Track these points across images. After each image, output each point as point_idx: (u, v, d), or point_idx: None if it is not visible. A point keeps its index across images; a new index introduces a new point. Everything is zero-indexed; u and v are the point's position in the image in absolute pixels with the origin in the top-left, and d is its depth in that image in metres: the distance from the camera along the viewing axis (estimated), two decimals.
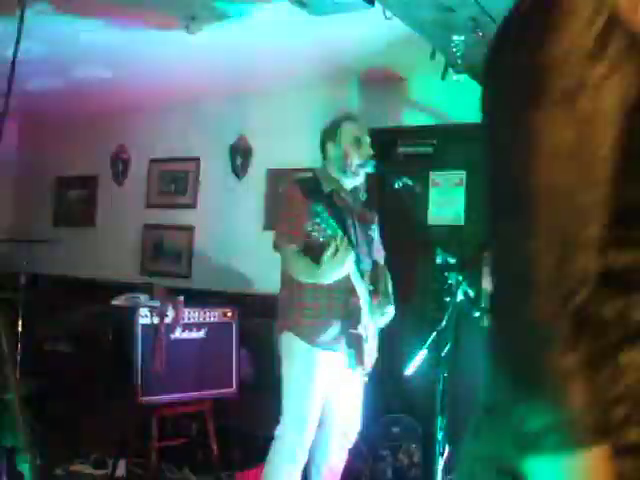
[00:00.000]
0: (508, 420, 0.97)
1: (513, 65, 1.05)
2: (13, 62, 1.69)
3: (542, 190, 0.97)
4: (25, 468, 1.30)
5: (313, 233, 3.49)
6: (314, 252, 3.68)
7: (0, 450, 1.57)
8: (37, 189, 8.05)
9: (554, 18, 1.00)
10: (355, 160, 3.92)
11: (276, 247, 3.93)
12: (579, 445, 0.91)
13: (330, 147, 4.00)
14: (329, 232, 3.48)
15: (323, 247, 3.56)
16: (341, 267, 3.60)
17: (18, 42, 1.69)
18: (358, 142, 3.95)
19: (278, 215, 4.07)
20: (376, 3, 3.48)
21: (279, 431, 3.87)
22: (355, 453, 4.18)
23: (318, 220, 3.47)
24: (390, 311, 3.98)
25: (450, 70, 4.18)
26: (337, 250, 3.54)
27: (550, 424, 0.91)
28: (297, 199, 3.83)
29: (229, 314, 5.40)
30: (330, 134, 4.03)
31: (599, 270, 0.98)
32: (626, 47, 0.99)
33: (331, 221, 3.50)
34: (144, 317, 5.00)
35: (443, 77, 4.24)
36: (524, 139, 1.00)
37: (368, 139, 4.01)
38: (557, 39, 0.99)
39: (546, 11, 1.02)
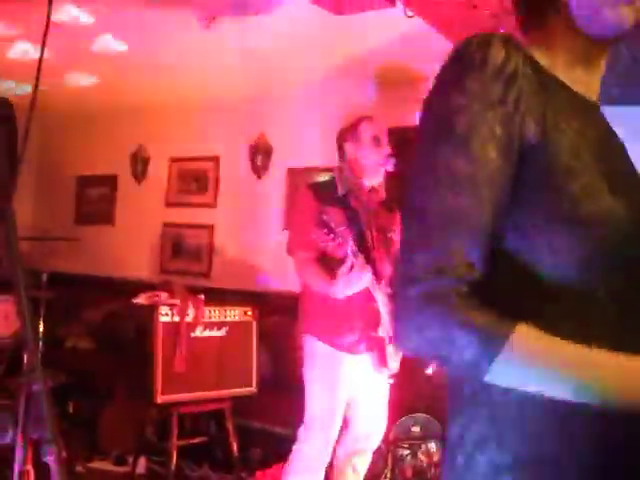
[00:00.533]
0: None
1: (432, 106, 1.33)
2: (40, 61, 1.69)
3: (435, 208, 1.21)
4: (51, 460, 1.30)
5: (322, 243, 3.48)
6: (329, 264, 3.67)
7: (26, 442, 1.57)
8: (58, 188, 8.09)
9: (463, 71, 1.24)
10: (373, 160, 3.90)
11: (289, 252, 3.92)
12: (498, 346, 1.13)
13: (347, 147, 3.97)
14: (338, 241, 3.48)
15: (338, 259, 3.55)
16: (355, 285, 3.59)
17: (44, 42, 1.69)
18: (376, 141, 3.93)
19: (291, 219, 4.05)
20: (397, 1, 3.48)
21: (302, 432, 3.86)
22: (375, 453, 4.16)
23: (326, 231, 3.46)
24: None
25: None
26: (352, 267, 3.53)
27: (475, 348, 1.13)
28: (309, 203, 3.81)
29: (249, 313, 5.40)
30: (347, 134, 4.00)
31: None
32: (528, 92, 1.22)
33: (339, 231, 3.49)
34: (165, 315, 5.01)
35: None
36: (429, 168, 1.25)
37: (386, 138, 3.98)
38: (462, 89, 1.23)
39: (458, 63, 1.26)
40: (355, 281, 3.57)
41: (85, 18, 4.68)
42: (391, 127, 4.40)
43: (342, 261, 3.55)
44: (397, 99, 5.69)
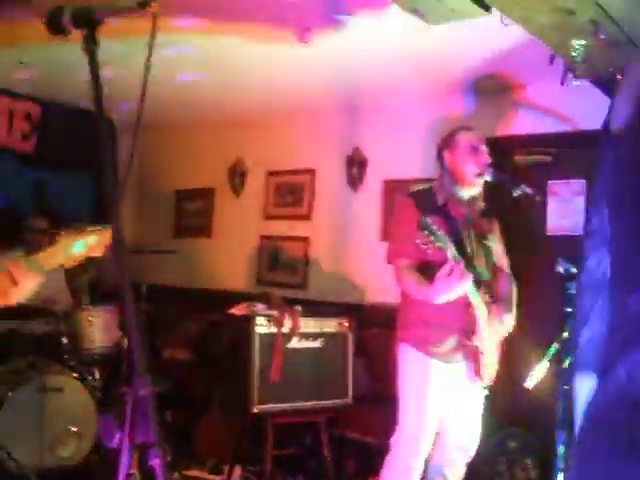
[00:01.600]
0: None
1: None
2: (145, 79, 1.74)
3: None
4: (156, 463, 1.34)
5: (423, 246, 3.47)
6: (428, 272, 3.66)
7: (132, 446, 1.61)
8: (157, 202, 8.27)
9: None
10: (472, 169, 3.88)
11: (388, 260, 3.93)
12: None
13: (446, 156, 3.97)
14: (439, 244, 3.46)
15: (438, 266, 3.54)
16: (454, 289, 3.56)
17: (149, 57, 1.74)
18: (475, 151, 3.91)
19: (390, 229, 4.06)
20: (493, 9, 3.43)
21: (395, 441, 3.85)
22: (470, 468, 4.11)
23: (426, 233, 3.44)
24: (509, 320, 3.92)
25: (569, 75, 4.08)
26: (452, 270, 3.51)
27: None
28: (409, 212, 3.81)
29: (345, 324, 5.41)
30: (446, 144, 4.00)
31: None
32: None
33: (440, 234, 3.48)
34: (261, 326, 5.07)
35: (562, 82, 4.13)
36: None
37: (485, 148, 3.96)
38: None
39: None
40: (454, 285, 3.54)
41: None
42: (489, 137, 4.36)
43: (441, 268, 3.54)
44: (493, 109, 5.64)
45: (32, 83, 6.44)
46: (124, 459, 1.71)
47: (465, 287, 3.58)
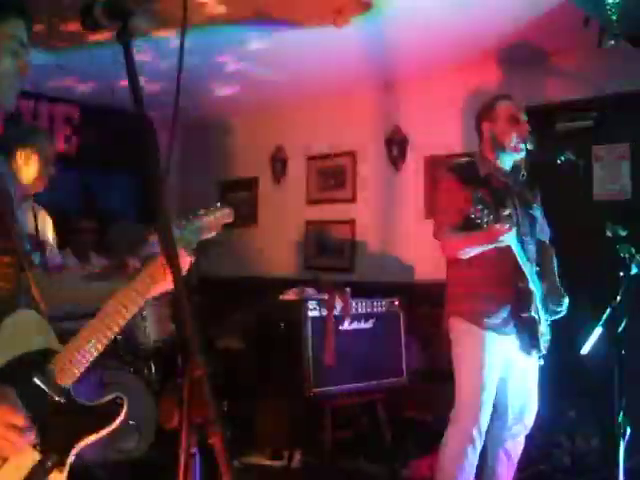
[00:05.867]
0: None
1: None
2: (179, 73, 1.75)
3: None
4: (215, 441, 1.36)
5: (477, 221, 3.43)
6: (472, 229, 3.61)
7: (192, 426, 1.64)
8: (201, 193, 8.33)
9: None
10: (512, 138, 3.84)
11: (436, 235, 3.91)
12: None
13: (486, 127, 3.94)
14: (492, 217, 3.42)
15: (479, 226, 3.48)
16: (503, 234, 3.48)
17: (181, 56, 1.75)
18: (515, 120, 3.87)
19: (435, 205, 4.04)
20: None
21: (453, 415, 3.85)
22: (529, 439, 4.09)
23: (480, 207, 3.41)
24: (563, 304, 3.87)
25: (605, 36, 4.01)
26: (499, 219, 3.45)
27: None
28: (452, 187, 3.79)
29: (395, 303, 5.42)
30: (485, 114, 3.97)
31: None
32: None
33: (492, 207, 3.44)
34: (313, 310, 5.09)
35: (599, 45, 4.07)
36: None
37: (524, 116, 3.92)
38: None
39: None
40: (503, 231, 3.45)
41: None
42: (529, 105, 4.32)
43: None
44: (532, 77, 5.58)
45: (70, 86, 6.53)
46: (184, 439, 1.74)
47: (510, 235, 3.50)
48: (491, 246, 3.57)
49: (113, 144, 7.18)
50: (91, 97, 7.00)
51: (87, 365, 1.91)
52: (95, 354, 1.92)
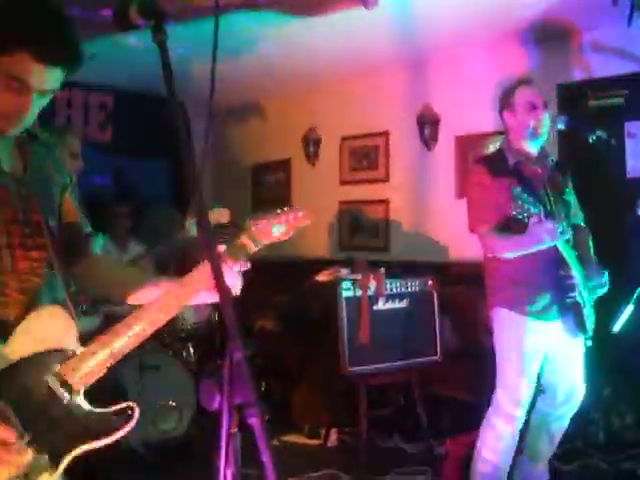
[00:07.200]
0: None
1: None
2: (213, 62, 1.80)
3: None
4: (255, 421, 1.41)
5: (519, 217, 3.45)
6: (514, 227, 3.63)
7: (231, 407, 1.69)
8: (235, 178, 8.39)
9: None
10: (533, 125, 3.83)
11: (471, 229, 3.91)
12: None
13: (506, 116, 3.93)
14: (533, 210, 3.44)
15: (521, 222, 3.50)
16: (547, 235, 3.50)
17: (215, 45, 1.80)
18: (531, 106, 3.84)
19: (468, 198, 4.03)
20: None
21: (494, 399, 3.88)
22: None
23: (520, 202, 3.43)
24: (604, 278, 3.87)
25: (636, 13, 3.99)
26: (541, 219, 3.47)
27: None
28: (483, 179, 3.80)
29: (429, 283, 5.44)
30: (505, 103, 3.95)
31: None
32: None
33: (532, 200, 3.46)
34: (347, 290, 5.14)
35: (629, 22, 4.04)
36: None
37: (542, 100, 3.89)
38: None
39: None
40: (547, 231, 3.48)
41: None
42: (559, 84, 4.29)
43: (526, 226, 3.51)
44: (561, 55, 5.56)
45: (103, 73, 6.60)
46: (225, 420, 1.80)
47: (556, 234, 3.52)
48: (539, 247, 3.60)
49: (146, 130, 7.25)
50: (124, 84, 7.08)
51: (104, 370, 1.91)
52: (117, 359, 1.92)
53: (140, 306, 2.01)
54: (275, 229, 2.14)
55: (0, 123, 1.89)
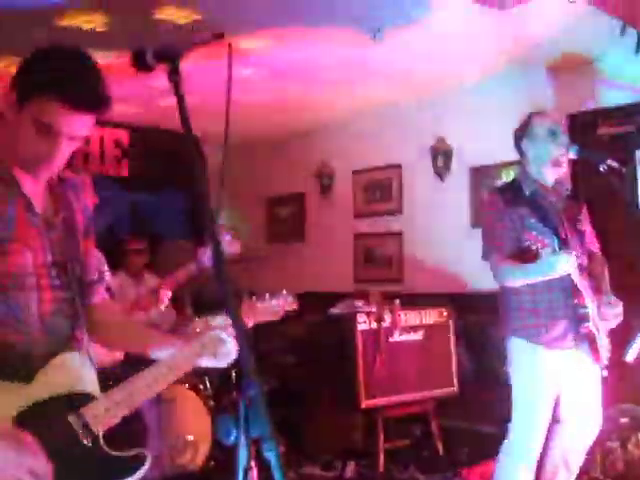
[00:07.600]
0: None
1: None
2: (228, 91, 1.85)
3: None
4: (271, 455, 1.42)
5: (531, 247, 3.46)
6: (527, 257, 3.64)
7: (248, 441, 1.71)
8: (249, 210, 8.43)
9: None
10: (552, 154, 3.84)
11: (485, 258, 3.92)
12: None
13: (525, 145, 3.93)
14: (547, 240, 3.45)
15: (535, 252, 3.51)
16: (560, 264, 3.51)
17: (230, 68, 1.85)
18: (552, 134, 3.86)
19: (483, 227, 4.03)
20: None
21: (510, 430, 3.86)
22: None
23: (535, 234, 3.44)
24: (619, 308, 3.86)
25: None
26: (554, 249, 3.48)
27: None
28: (498, 209, 3.80)
29: (445, 314, 5.44)
30: (522, 132, 3.96)
31: None
32: None
33: (546, 230, 3.48)
34: (362, 323, 5.15)
35: (637, 51, 4.07)
36: None
37: (562, 129, 3.91)
38: None
39: None
40: (560, 261, 3.50)
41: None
42: (571, 113, 4.32)
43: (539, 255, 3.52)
44: (573, 85, 5.59)
45: (118, 110, 6.67)
46: (242, 453, 1.81)
47: (569, 263, 3.53)
48: (552, 276, 3.61)
49: (161, 164, 7.33)
50: (139, 120, 7.16)
51: (122, 417, 1.97)
52: (132, 409, 1.99)
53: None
54: (264, 312, 2.29)
55: (31, 167, 1.96)
